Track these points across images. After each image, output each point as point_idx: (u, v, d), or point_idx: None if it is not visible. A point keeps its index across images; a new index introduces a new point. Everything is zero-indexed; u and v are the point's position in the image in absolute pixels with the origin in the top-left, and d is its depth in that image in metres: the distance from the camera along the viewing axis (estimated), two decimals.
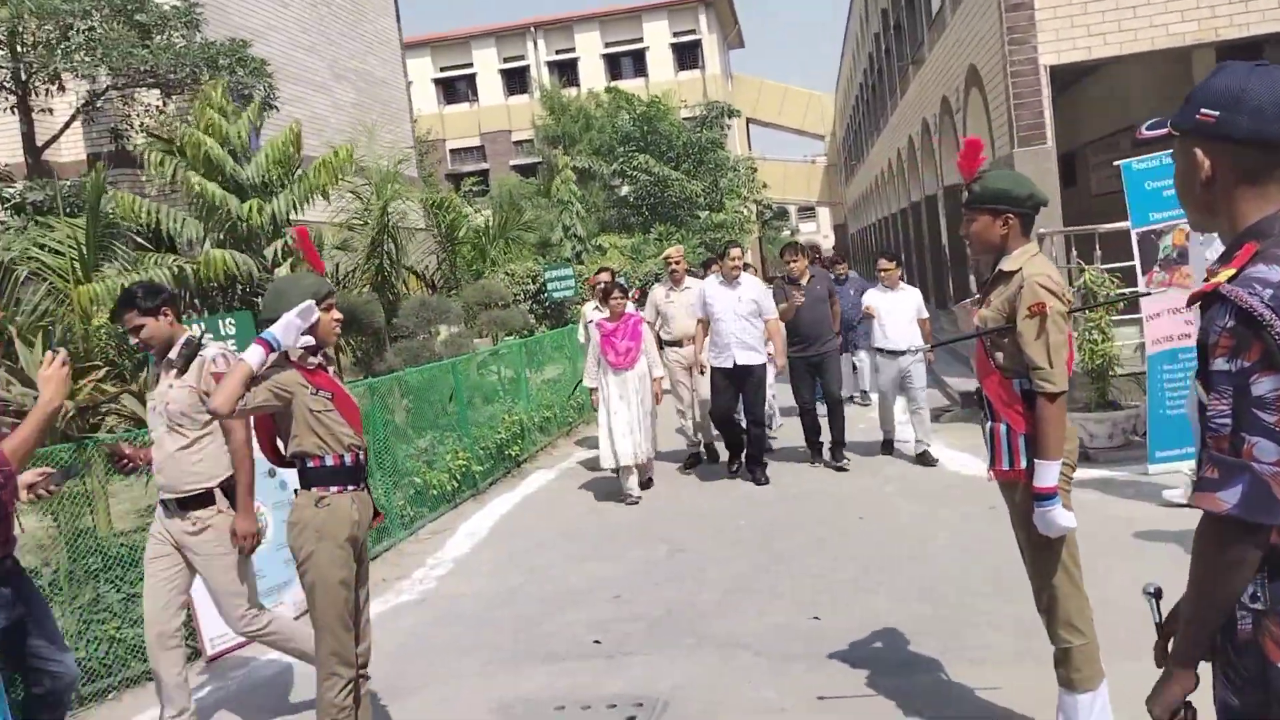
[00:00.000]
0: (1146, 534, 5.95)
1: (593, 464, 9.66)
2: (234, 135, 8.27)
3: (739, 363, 8.13)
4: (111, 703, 5.09)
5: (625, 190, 32.29)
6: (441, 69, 47.18)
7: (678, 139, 30.06)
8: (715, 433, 9.23)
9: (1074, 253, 8.58)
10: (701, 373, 8.72)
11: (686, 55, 47.99)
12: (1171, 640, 1.89)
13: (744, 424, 8.64)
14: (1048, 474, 3.12)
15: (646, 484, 8.59)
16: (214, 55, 11.74)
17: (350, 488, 3.66)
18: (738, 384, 8.26)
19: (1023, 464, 3.20)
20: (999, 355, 3.26)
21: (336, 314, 3.70)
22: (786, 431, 10.31)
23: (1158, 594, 2.05)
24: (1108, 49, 9.84)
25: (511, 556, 7.12)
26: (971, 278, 14.28)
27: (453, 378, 9.32)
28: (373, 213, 9.42)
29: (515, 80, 51.99)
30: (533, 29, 47.24)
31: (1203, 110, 1.72)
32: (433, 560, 7.26)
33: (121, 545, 5.51)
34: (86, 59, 11.25)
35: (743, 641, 5.06)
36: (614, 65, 49.90)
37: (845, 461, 8.59)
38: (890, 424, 9.12)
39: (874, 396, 10.19)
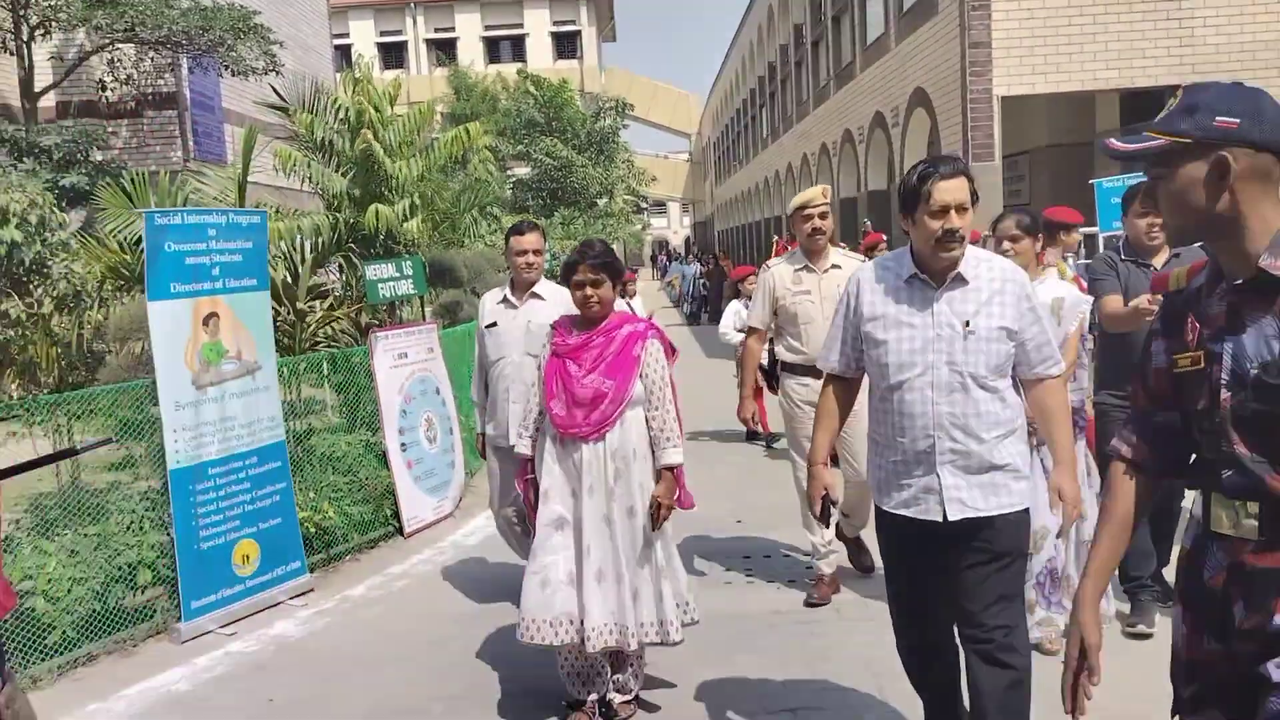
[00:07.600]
0: None
1: None
2: (380, 104, 9.28)
3: (952, 515, 3.04)
4: None
5: (523, 172, 33.43)
6: None
7: (581, 127, 31.47)
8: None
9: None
10: (824, 516, 3.37)
11: (565, 45, 49.22)
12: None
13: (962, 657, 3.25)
14: None
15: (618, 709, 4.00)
16: (234, 21, 12.52)
17: None
18: (949, 563, 3.13)
19: None
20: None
21: None
22: None
23: None
24: (1048, 86, 12.01)
25: None
26: None
27: None
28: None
29: (392, 55, 51.85)
30: (412, 4, 47.37)
31: (1220, 119, 1.79)
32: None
33: None
34: (109, 15, 11.88)
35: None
36: (493, 48, 50.54)
37: None
38: None
39: None
